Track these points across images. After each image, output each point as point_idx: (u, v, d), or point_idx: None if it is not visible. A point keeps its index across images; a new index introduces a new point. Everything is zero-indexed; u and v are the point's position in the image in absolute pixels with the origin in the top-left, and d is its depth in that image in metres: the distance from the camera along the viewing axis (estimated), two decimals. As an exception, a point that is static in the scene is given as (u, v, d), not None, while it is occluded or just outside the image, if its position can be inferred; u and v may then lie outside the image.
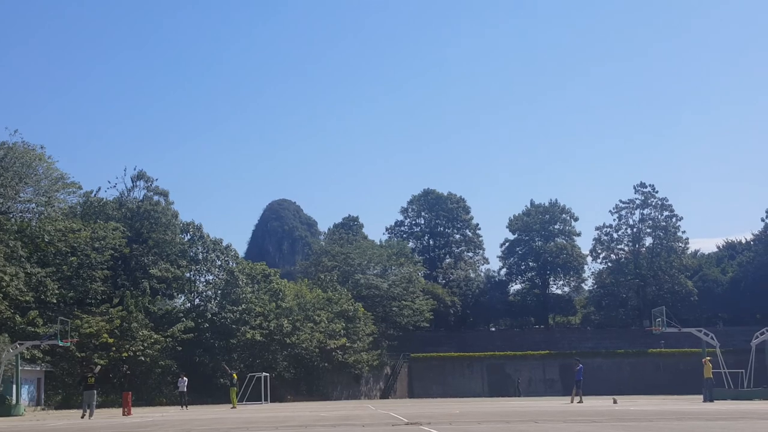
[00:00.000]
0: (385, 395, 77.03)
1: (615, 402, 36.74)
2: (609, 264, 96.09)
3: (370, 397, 74.37)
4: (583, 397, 39.54)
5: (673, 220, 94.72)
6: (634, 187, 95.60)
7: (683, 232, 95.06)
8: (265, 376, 57.61)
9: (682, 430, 15.35)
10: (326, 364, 69.38)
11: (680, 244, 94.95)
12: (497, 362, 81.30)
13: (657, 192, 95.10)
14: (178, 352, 59.61)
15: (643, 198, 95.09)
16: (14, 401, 38.53)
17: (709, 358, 41.97)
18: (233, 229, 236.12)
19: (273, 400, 58.75)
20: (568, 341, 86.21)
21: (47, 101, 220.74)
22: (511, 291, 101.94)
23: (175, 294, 68.29)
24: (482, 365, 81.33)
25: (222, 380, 58.02)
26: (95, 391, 31.94)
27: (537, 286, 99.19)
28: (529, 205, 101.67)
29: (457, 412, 27.08)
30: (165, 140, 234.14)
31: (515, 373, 78.80)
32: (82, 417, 29.97)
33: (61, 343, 43.70)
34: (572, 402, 37.99)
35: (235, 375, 48.23)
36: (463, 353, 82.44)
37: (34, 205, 56.86)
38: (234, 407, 43.17)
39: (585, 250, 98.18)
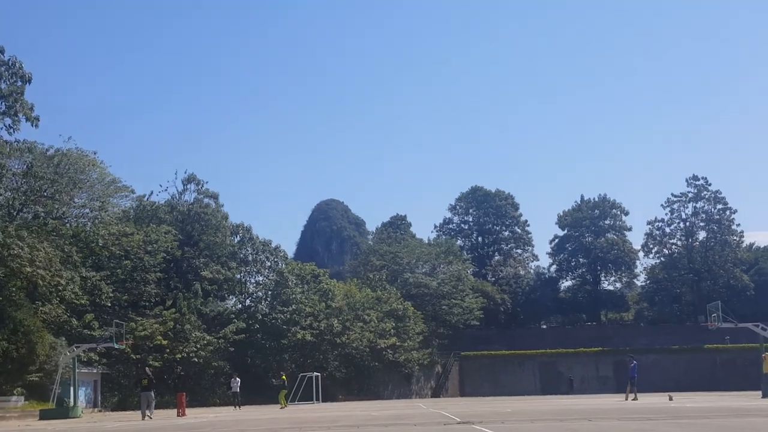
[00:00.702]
0: (436, 394, 76.90)
1: (671, 399, 36.09)
2: (662, 259, 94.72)
3: (422, 396, 74.29)
4: (638, 394, 38.97)
5: (727, 213, 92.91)
6: (687, 180, 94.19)
7: (738, 225, 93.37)
8: (317, 376, 57.96)
9: (742, 427, 14.98)
10: (377, 364, 69.53)
11: (735, 238, 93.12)
12: (549, 360, 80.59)
13: (710, 185, 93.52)
14: (231, 353, 60.32)
15: (695, 191, 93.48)
16: (72, 403, 39.28)
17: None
18: (282, 230, 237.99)
19: (324, 400, 59.03)
20: (622, 338, 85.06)
21: (99, 106, 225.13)
22: (562, 288, 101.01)
23: (227, 295, 69.04)
24: (534, 363, 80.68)
25: (274, 381, 58.72)
26: (152, 393, 32.61)
27: (588, 283, 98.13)
28: (578, 201, 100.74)
29: (509, 410, 26.86)
30: (215, 142, 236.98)
31: (568, 371, 77.96)
32: (143, 419, 30.53)
33: (116, 346, 44.43)
34: (627, 399, 37.49)
35: (284, 377, 48.52)
36: (515, 351, 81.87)
37: (88, 210, 57.87)
38: (282, 407, 43.31)
39: (636, 246, 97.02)
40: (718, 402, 30.94)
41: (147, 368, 37.11)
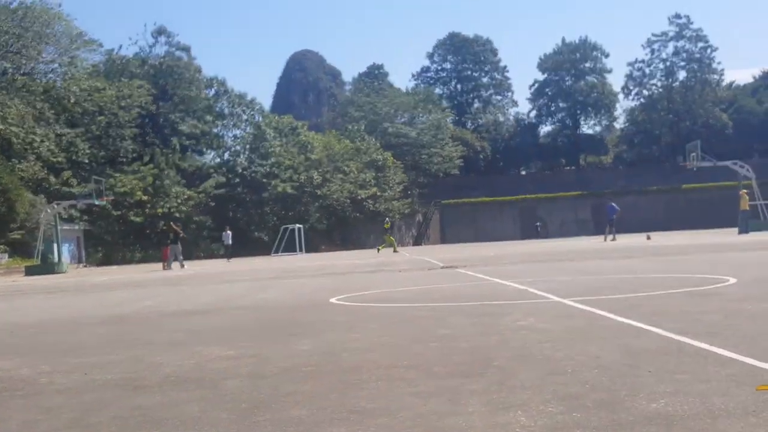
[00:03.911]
0: (417, 242, 78.12)
1: (648, 238, 36.64)
2: (641, 100, 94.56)
3: (403, 245, 75.44)
4: (616, 236, 39.59)
5: (708, 51, 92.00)
6: (669, 19, 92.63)
7: (718, 63, 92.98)
8: (299, 228, 58.42)
9: (720, 261, 15.11)
10: (358, 214, 70.08)
11: (715, 76, 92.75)
12: (529, 205, 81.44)
13: (692, 23, 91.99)
14: (212, 207, 60.48)
15: (677, 30, 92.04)
16: (56, 259, 39.43)
17: (745, 190, 41.36)
18: (257, 82, 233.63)
19: (307, 251, 59.83)
20: (601, 181, 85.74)
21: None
22: (542, 133, 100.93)
23: (205, 150, 68.58)
24: (514, 209, 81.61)
25: (256, 234, 59.85)
26: (178, 245, 33.66)
27: (568, 127, 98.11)
28: (560, 44, 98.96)
29: (491, 254, 27.19)
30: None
31: (547, 216, 79.04)
32: (163, 269, 32.36)
33: (96, 202, 44.29)
34: (605, 241, 38.08)
35: (388, 224, 49.11)
36: (495, 198, 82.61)
37: (57, 65, 56.37)
38: (395, 251, 43.08)
39: (617, 88, 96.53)
40: (696, 239, 31.46)
41: (172, 223, 37.50)
